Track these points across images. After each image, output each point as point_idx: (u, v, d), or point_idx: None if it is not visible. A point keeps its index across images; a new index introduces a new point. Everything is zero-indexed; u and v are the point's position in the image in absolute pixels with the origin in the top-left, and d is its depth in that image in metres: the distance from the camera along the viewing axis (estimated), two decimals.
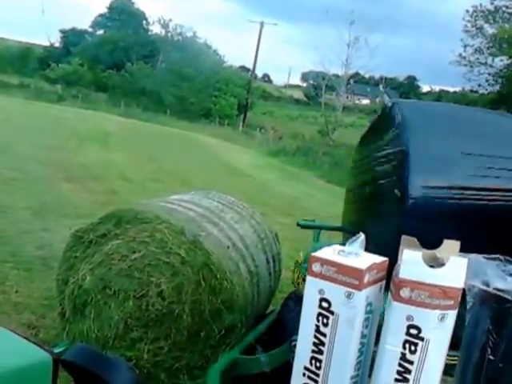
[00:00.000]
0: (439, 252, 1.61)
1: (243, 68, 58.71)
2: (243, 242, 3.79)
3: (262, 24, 47.77)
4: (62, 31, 53.44)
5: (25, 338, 1.05)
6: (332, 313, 1.66)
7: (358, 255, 1.73)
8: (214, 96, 45.02)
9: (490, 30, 27.10)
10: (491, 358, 1.58)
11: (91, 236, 3.66)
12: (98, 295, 3.60)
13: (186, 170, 13.62)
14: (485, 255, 1.69)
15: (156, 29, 53.08)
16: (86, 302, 3.63)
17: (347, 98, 42.52)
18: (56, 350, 1.05)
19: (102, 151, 14.06)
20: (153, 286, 3.44)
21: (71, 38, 51.68)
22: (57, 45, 53.22)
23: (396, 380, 1.61)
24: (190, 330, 3.41)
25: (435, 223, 3.08)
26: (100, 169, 11.61)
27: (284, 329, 3.21)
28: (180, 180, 11.34)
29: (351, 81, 40.11)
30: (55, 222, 6.81)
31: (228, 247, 3.63)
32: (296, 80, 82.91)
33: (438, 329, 1.55)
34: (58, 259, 3.95)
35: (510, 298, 1.54)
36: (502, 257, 1.67)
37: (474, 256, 1.65)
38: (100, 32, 53.02)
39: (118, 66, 45.94)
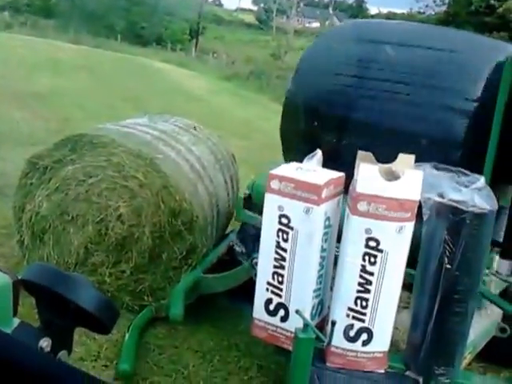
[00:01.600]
0: (395, 165, 1.65)
1: None
2: (200, 164, 3.80)
3: None
4: None
5: None
6: (292, 228, 1.70)
7: (315, 171, 1.76)
8: (165, 20, 43.54)
9: None
10: (448, 266, 1.66)
11: (46, 162, 3.60)
12: (56, 221, 3.59)
13: (141, 96, 13.29)
14: (439, 166, 1.73)
15: None
16: (45, 228, 3.63)
17: (298, 21, 41.80)
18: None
19: (53, 79, 13.52)
20: (111, 209, 3.44)
21: None
22: None
23: (358, 291, 1.67)
24: (151, 252, 3.45)
25: None
26: (52, 97, 11.22)
27: (245, 247, 3.28)
28: (135, 106, 11.08)
29: (301, 4, 39.32)
30: (8, 150, 6.61)
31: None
32: (247, 4, 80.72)
33: (396, 240, 1.61)
34: (13, 187, 3.87)
35: (464, 208, 1.60)
36: (454, 168, 1.72)
37: (428, 169, 1.69)
38: None
39: None
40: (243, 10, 78.07)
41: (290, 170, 1.75)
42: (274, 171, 1.72)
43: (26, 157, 3.77)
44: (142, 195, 3.40)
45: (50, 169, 3.60)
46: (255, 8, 71.71)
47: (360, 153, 1.75)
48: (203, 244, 3.46)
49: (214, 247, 3.72)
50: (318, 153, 1.98)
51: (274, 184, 1.70)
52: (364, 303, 1.69)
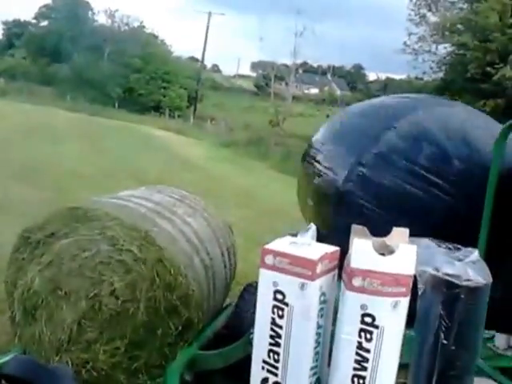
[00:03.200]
0: (389, 240, 1.61)
1: (192, 58, 58.28)
2: (197, 236, 3.74)
3: (209, 14, 47.59)
4: (4, 23, 51.85)
5: None
6: (287, 304, 1.64)
7: (310, 246, 1.71)
8: (163, 88, 44.52)
9: (432, 18, 27.73)
10: (444, 342, 1.61)
11: (39, 236, 3.54)
12: (48, 297, 3.49)
13: (138, 164, 13.42)
14: (433, 240, 1.70)
15: (102, 19, 52.12)
16: (37, 304, 3.53)
17: (296, 87, 42.76)
18: (5, 359, 1.01)
19: (49, 146, 13.68)
20: (105, 284, 3.36)
21: (14, 29, 50.19)
22: None
23: (354, 369, 1.60)
24: (146, 328, 3.35)
25: None
26: (47, 165, 11.30)
27: (242, 322, 3.19)
28: (132, 175, 11.16)
29: (300, 70, 40.34)
30: (1, 221, 6.57)
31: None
32: (246, 70, 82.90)
33: (392, 316, 1.55)
34: (5, 260, 3.80)
35: (459, 282, 1.56)
36: (449, 244, 1.70)
37: (423, 242, 1.66)
38: (44, 23, 51.59)
39: (63, 58, 44.83)
40: (242, 77, 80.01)
41: (284, 244, 1.70)
42: (268, 246, 1.68)
43: (18, 229, 3.72)
44: (137, 269, 3.33)
45: (42, 243, 3.54)
46: (254, 74, 73.62)
47: (354, 227, 1.70)
48: (199, 319, 3.36)
49: (211, 322, 3.62)
50: (313, 227, 1.93)
51: (268, 259, 1.65)
52: (361, 381, 1.61)
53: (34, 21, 52.27)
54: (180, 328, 3.34)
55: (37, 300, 3.53)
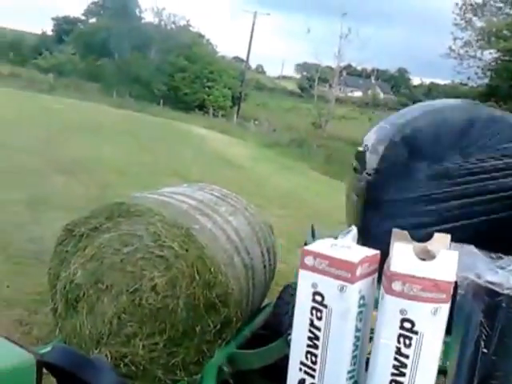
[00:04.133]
0: (430, 245, 1.57)
1: (237, 59, 58.58)
2: (238, 235, 3.74)
3: (255, 14, 47.65)
4: (54, 19, 53.06)
5: (8, 339, 1.04)
6: (325, 306, 1.62)
7: (350, 248, 1.69)
8: (207, 87, 44.83)
9: (478, 23, 27.16)
10: (485, 351, 1.56)
11: (83, 229, 3.59)
12: (90, 290, 3.54)
13: (181, 161, 13.54)
14: (475, 248, 1.66)
15: (149, 17, 52.78)
16: (79, 296, 3.58)
17: (340, 89, 42.46)
18: (46, 349, 1.05)
19: (95, 142, 13.94)
20: (146, 280, 3.38)
21: (64, 26, 51.31)
22: (49, 33, 52.80)
23: (392, 374, 1.57)
24: (185, 324, 3.36)
25: None
26: (93, 161, 11.52)
27: (280, 322, 3.17)
28: (175, 172, 11.27)
29: (344, 73, 40.03)
30: (47, 214, 6.73)
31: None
32: (290, 71, 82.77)
33: (432, 322, 1.51)
34: (50, 253, 3.88)
35: (501, 290, 1.51)
36: (492, 253, 1.65)
37: (465, 249, 1.62)
38: (93, 20, 52.57)
39: (111, 55, 45.60)
40: (286, 78, 79.97)
41: (325, 246, 1.68)
42: (308, 247, 1.66)
43: (63, 223, 3.79)
44: (178, 266, 3.34)
45: (85, 236, 3.59)
46: (297, 76, 73.48)
47: (395, 231, 1.67)
48: (238, 318, 3.35)
49: (250, 321, 3.61)
50: (354, 229, 1.91)
51: (308, 260, 1.64)
52: None
53: (83, 17, 53.40)
54: (218, 326, 3.34)
55: (78, 292, 3.58)
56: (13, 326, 3.99)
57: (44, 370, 1.00)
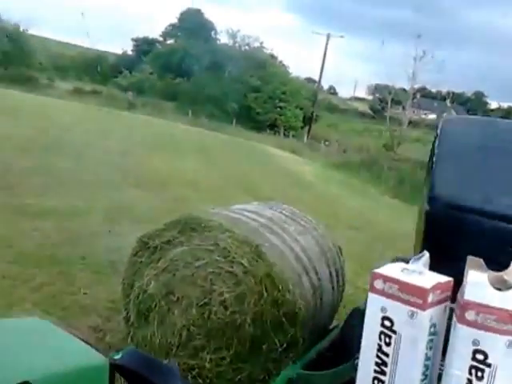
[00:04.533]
0: (506, 274, 1.52)
1: (309, 80, 58.62)
2: (306, 255, 3.75)
3: (328, 36, 47.71)
4: (134, 40, 55.10)
5: (84, 341, 1.08)
6: (394, 332, 1.60)
7: (422, 274, 1.66)
8: (279, 107, 45.10)
9: None
10: None
11: (156, 242, 3.71)
12: (161, 301, 3.64)
13: (252, 179, 13.69)
14: None
15: (224, 39, 53.84)
16: (150, 307, 3.69)
17: (413, 112, 41.71)
18: (119, 356, 1.07)
19: (170, 159, 14.32)
20: (215, 294, 3.45)
21: (143, 46, 53.19)
22: (129, 53, 54.86)
23: None
24: (252, 341, 3.39)
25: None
26: (168, 176, 11.84)
27: (347, 345, 3.14)
28: (246, 189, 11.40)
29: (418, 95, 39.32)
30: (125, 226, 6.98)
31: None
32: (362, 93, 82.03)
33: (506, 355, 1.46)
34: (125, 263, 4.03)
35: None
36: None
37: None
38: (170, 41, 54.23)
39: (187, 75, 46.80)
40: (358, 99, 79.31)
41: (396, 270, 1.66)
42: (378, 270, 1.65)
43: (137, 234, 3.93)
44: (246, 282, 3.39)
45: (159, 249, 3.71)
46: (370, 97, 72.74)
47: (470, 258, 1.64)
48: (304, 338, 3.36)
49: (316, 342, 3.60)
50: (426, 254, 1.87)
51: (378, 284, 1.62)
52: None
53: (161, 39, 55.19)
54: (285, 345, 3.36)
55: (151, 303, 3.69)
56: (87, 331, 4.14)
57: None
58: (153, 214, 7.74)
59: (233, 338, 3.41)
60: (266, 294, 3.35)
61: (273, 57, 52.38)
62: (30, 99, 26.11)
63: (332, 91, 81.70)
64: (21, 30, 44.17)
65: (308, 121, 45.87)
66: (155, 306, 3.66)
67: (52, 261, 5.57)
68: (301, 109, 45.85)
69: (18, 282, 4.95)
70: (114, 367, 1.03)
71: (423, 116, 49.74)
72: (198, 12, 53.46)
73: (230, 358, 3.42)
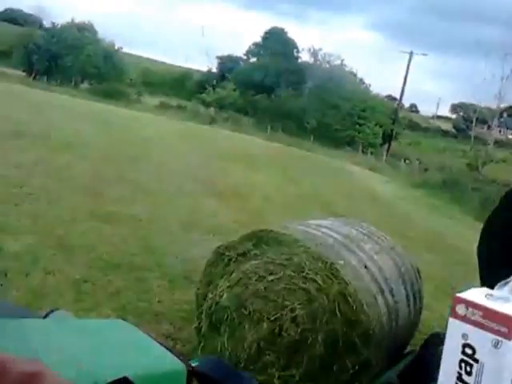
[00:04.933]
0: None
1: (390, 97, 57.77)
2: (382, 274, 3.65)
3: (410, 54, 46.84)
4: (219, 58, 56.53)
5: (162, 344, 1.06)
6: (476, 361, 1.50)
7: (508, 300, 1.56)
8: (358, 124, 44.69)
9: None
10: None
11: (232, 254, 3.72)
12: (233, 313, 3.64)
13: (327, 195, 13.58)
14: None
15: (306, 57, 54.15)
16: (222, 319, 3.69)
17: (500, 132, 40.18)
18: (197, 363, 1.05)
19: (247, 172, 14.47)
20: (287, 310, 3.41)
21: (227, 64, 54.43)
22: (214, 70, 56.28)
23: None
24: (323, 360, 3.32)
25: None
26: (244, 189, 11.95)
27: (423, 372, 3.02)
28: (321, 204, 11.32)
29: (504, 114, 37.88)
30: (200, 236, 7.08)
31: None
32: (444, 111, 79.80)
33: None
34: (199, 273, 4.06)
35: None
36: None
37: None
38: (253, 59, 55.23)
39: (267, 92, 47.40)
40: (440, 118, 77.34)
41: (479, 295, 1.55)
42: (461, 295, 1.55)
43: (213, 245, 3.96)
44: (319, 300, 3.33)
45: (234, 260, 3.71)
46: (453, 116, 70.77)
47: None
48: (377, 361, 3.25)
49: (390, 367, 3.48)
50: None
51: (460, 309, 1.52)
52: None
53: (244, 57, 56.36)
54: (356, 367, 3.26)
55: (222, 315, 3.69)
56: (159, 339, 4.19)
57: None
58: (228, 225, 7.82)
59: (303, 356, 3.35)
60: (338, 313, 3.28)
61: (353, 74, 52.09)
62: (120, 112, 27.27)
63: (413, 109, 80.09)
64: (115, 47, 46.39)
65: (387, 138, 45.12)
66: (227, 318, 3.66)
67: (130, 267, 5.72)
68: (380, 126, 45.20)
69: (97, 287, 5.10)
70: (192, 374, 1.00)
71: (510, 136, 47.80)
72: (282, 31, 54.21)
73: (299, 377, 3.36)
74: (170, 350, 1.03)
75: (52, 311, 1.24)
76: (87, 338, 1.03)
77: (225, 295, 3.67)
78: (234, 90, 48.60)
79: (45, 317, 1.22)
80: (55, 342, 0.94)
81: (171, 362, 1.00)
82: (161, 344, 1.06)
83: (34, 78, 40.59)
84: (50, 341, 0.94)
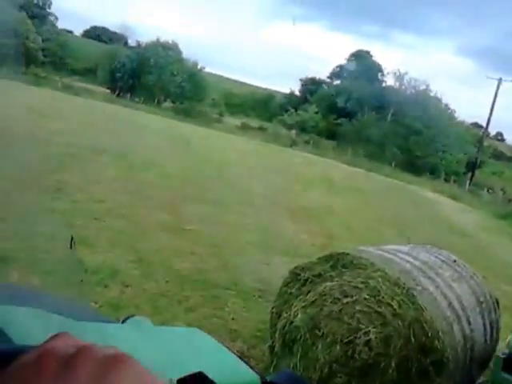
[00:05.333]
0: None
1: (475, 125, 56.07)
2: (460, 303, 3.60)
3: (499, 80, 45.35)
4: (301, 80, 56.90)
5: (240, 357, 1.11)
6: None
7: None
8: (441, 151, 43.62)
9: None
10: None
11: (307, 274, 3.79)
12: (307, 334, 3.69)
13: (406, 221, 13.33)
14: None
15: (390, 81, 53.55)
16: (295, 339, 3.75)
17: None
18: (273, 376, 1.09)
19: (325, 196, 14.48)
20: (361, 333, 3.42)
21: (310, 86, 54.67)
22: (296, 93, 56.72)
23: None
24: None
25: None
26: (322, 213, 11.96)
27: None
28: (398, 231, 11.15)
29: None
30: (275, 257, 7.17)
31: None
32: None
33: None
34: (274, 293, 4.14)
35: None
36: None
37: None
38: (337, 82, 55.17)
39: (349, 116, 47.20)
40: None
41: None
42: None
43: (289, 266, 4.03)
44: (394, 325, 3.33)
45: (309, 281, 3.77)
46: None
47: None
48: None
49: None
50: None
51: None
52: None
53: (327, 80, 56.38)
54: None
55: (296, 335, 3.75)
56: None
57: None
58: (304, 247, 7.87)
59: (375, 381, 3.35)
60: (413, 339, 3.27)
61: (438, 100, 50.99)
62: (201, 132, 27.97)
63: (499, 137, 77.27)
64: (198, 67, 47.66)
65: (471, 167, 43.71)
66: (300, 338, 3.72)
67: (205, 284, 5.87)
68: (464, 154, 43.91)
69: (173, 302, 5.27)
70: None
71: None
72: (367, 54, 53.96)
73: None
74: (245, 362, 1.08)
75: (129, 317, 1.33)
76: (164, 345, 1.09)
77: (299, 315, 3.73)
78: (316, 113, 48.71)
79: (123, 322, 1.31)
80: (132, 346, 0.98)
81: (246, 373, 1.04)
82: (237, 356, 1.12)
83: (118, 95, 41.99)
84: (128, 345, 1.02)
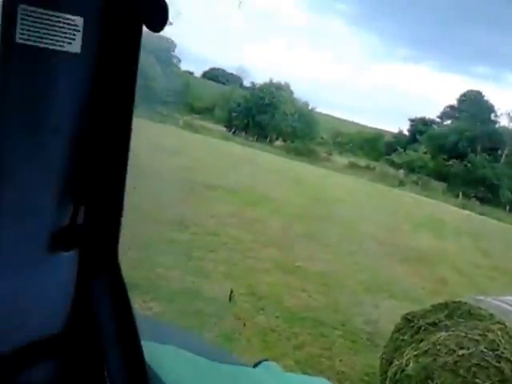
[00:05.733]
0: None
1: None
2: None
3: None
4: (411, 120, 55.90)
5: None
6: None
7: None
8: None
9: None
10: None
11: (421, 322, 3.71)
12: None
13: None
14: None
15: (504, 121, 51.35)
16: None
17: None
18: None
19: (435, 239, 14.02)
20: None
21: (419, 126, 53.55)
22: (405, 132, 55.78)
23: None
24: None
25: None
26: (432, 256, 11.59)
27: None
28: None
29: None
30: (384, 300, 7.04)
31: None
32: None
33: None
34: (383, 337, 4.09)
35: None
36: None
37: None
38: (447, 122, 53.69)
39: (461, 157, 45.61)
40: None
41: None
42: None
43: (398, 310, 3.97)
44: None
45: (423, 329, 3.69)
46: None
47: None
48: None
49: None
50: None
51: None
52: None
53: (438, 120, 54.92)
54: None
55: None
56: None
57: None
58: (413, 291, 7.67)
59: None
60: None
61: None
62: (310, 171, 28.22)
63: None
64: (309, 107, 48.49)
65: None
66: None
67: (314, 322, 5.87)
68: None
69: (282, 337, 5.32)
70: None
71: None
72: (479, 94, 52.14)
73: None
74: None
75: (261, 362, 1.40)
76: None
77: (411, 364, 3.65)
78: (425, 153, 47.57)
79: (254, 366, 1.38)
80: None
81: None
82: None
83: (234, 133, 43.73)
84: None
